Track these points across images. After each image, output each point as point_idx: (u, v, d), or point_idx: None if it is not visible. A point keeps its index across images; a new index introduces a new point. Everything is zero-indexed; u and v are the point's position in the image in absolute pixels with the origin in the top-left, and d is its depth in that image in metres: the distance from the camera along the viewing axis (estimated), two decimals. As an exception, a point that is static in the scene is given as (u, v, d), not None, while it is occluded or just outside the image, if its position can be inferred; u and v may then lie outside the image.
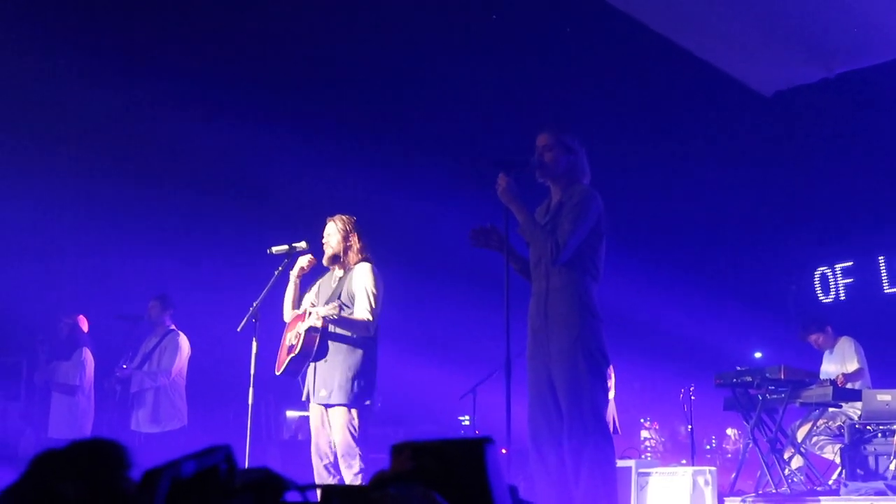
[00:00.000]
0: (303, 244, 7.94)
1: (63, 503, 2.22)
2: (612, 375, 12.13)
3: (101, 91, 12.76)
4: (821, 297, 15.15)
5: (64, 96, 12.73)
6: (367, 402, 7.60)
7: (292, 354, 7.67)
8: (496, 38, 12.24)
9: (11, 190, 13.17)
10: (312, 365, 7.67)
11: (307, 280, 8.08)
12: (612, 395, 11.96)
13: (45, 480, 2.29)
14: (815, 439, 10.39)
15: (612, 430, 11.97)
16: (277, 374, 7.86)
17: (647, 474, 9.77)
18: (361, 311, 7.62)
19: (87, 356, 11.45)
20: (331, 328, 7.64)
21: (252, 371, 7.83)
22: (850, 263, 14.98)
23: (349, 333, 7.61)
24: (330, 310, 7.56)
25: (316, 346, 7.61)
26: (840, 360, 11.14)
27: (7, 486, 2.33)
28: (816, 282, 15.23)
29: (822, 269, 15.20)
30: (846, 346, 11.21)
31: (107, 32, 12.10)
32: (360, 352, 7.62)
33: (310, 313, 7.64)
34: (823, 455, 10.41)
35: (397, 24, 11.95)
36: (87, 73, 12.42)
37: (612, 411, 11.98)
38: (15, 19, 11.73)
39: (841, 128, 13.31)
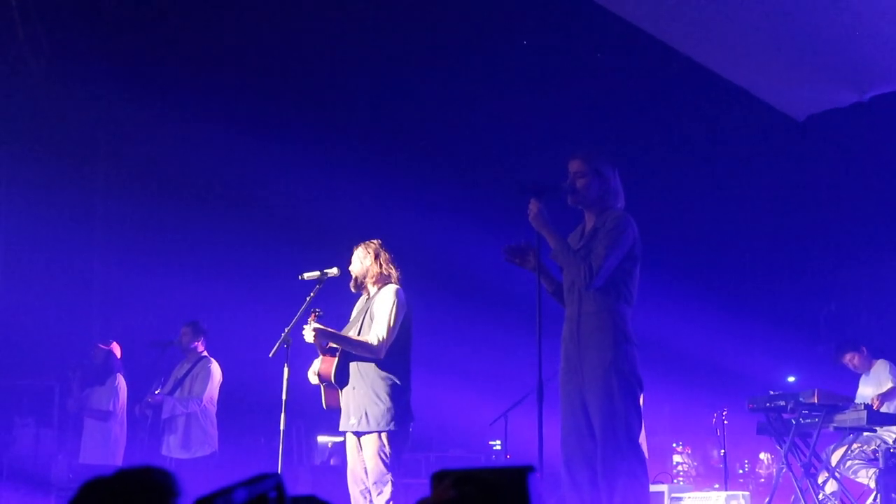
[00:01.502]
0: (334, 270, 7.94)
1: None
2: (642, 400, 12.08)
3: (135, 115, 12.86)
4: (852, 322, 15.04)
5: (97, 119, 12.84)
6: (398, 427, 7.58)
7: (321, 385, 7.71)
8: (528, 62, 12.26)
9: (44, 214, 13.26)
10: (342, 392, 7.67)
11: (337, 306, 8.07)
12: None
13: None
14: (849, 463, 10.30)
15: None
16: (324, 408, 7.86)
17: (680, 499, 9.72)
18: (371, 333, 7.62)
19: (121, 382, 11.50)
20: (352, 352, 7.65)
21: (284, 397, 7.82)
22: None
23: (368, 355, 7.62)
24: (311, 321, 7.58)
25: (334, 370, 7.61)
26: (876, 383, 11.04)
27: None
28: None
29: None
30: (882, 368, 11.12)
31: (144, 57, 12.19)
32: (388, 376, 7.58)
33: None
34: (857, 479, 10.32)
35: (428, 49, 12.00)
36: (120, 95, 12.52)
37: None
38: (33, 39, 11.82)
39: (874, 151, 13.25)
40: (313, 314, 7.67)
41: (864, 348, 11.31)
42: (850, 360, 11.31)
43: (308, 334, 7.58)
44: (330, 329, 7.68)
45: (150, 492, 2.31)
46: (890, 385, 10.89)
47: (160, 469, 2.33)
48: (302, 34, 11.85)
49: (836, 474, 10.07)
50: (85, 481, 2.32)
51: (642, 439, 11.65)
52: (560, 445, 6.42)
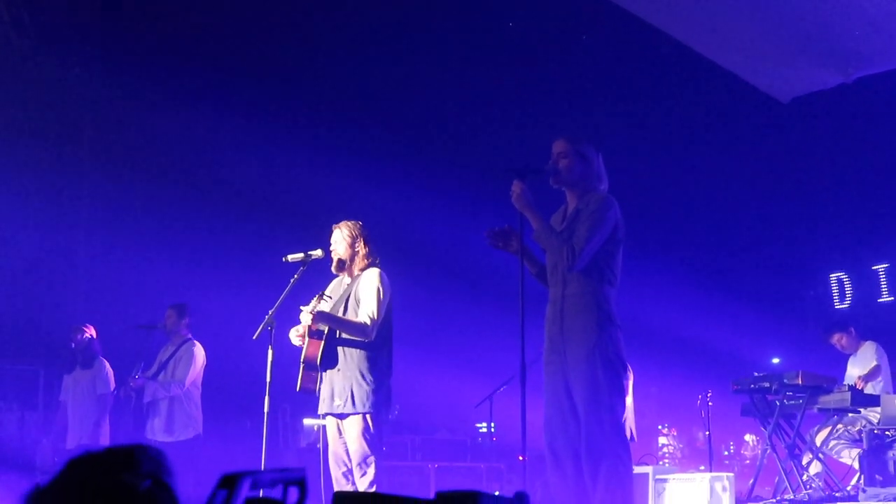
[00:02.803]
0: (318, 252, 7.93)
1: (132, 494, 2.18)
2: (631, 382, 12.11)
3: (115, 98, 12.81)
4: (836, 303, 15.10)
5: (77, 103, 12.78)
6: (382, 409, 7.60)
7: (301, 364, 7.69)
8: (512, 46, 12.25)
9: (25, 198, 13.21)
10: (325, 374, 7.67)
11: (318, 287, 8.06)
12: (629, 401, 11.94)
13: (106, 473, 2.23)
14: (833, 443, 10.34)
15: (629, 436, 11.99)
16: (297, 390, 7.84)
17: (665, 480, 9.73)
18: (361, 314, 7.63)
19: (107, 366, 11.47)
20: (337, 334, 7.65)
21: (268, 379, 7.82)
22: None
23: (355, 338, 7.62)
24: (314, 303, 7.58)
25: (320, 353, 7.61)
26: (863, 364, 11.08)
27: (48, 483, 2.28)
28: (834, 287, 15.17)
29: (837, 274, 15.16)
30: (869, 349, 11.15)
31: (125, 38, 12.15)
32: (373, 359, 7.60)
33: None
34: (841, 460, 10.35)
35: (412, 31, 11.97)
36: (105, 81, 12.48)
37: (629, 418, 11.95)
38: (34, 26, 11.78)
39: (859, 133, 13.27)
40: (318, 297, 7.67)
41: (852, 329, 11.33)
42: (838, 340, 11.34)
43: (306, 316, 7.58)
44: (325, 311, 7.68)
45: (156, 461, 2.28)
46: (874, 364, 10.92)
47: (151, 447, 2.30)
48: (283, 15, 11.82)
49: (820, 455, 10.10)
50: (71, 456, 2.28)
51: (631, 422, 11.73)
52: (543, 428, 6.42)
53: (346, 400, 7.51)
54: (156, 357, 11.06)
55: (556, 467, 6.34)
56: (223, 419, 12.60)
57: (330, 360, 7.63)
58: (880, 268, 14.77)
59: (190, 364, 10.74)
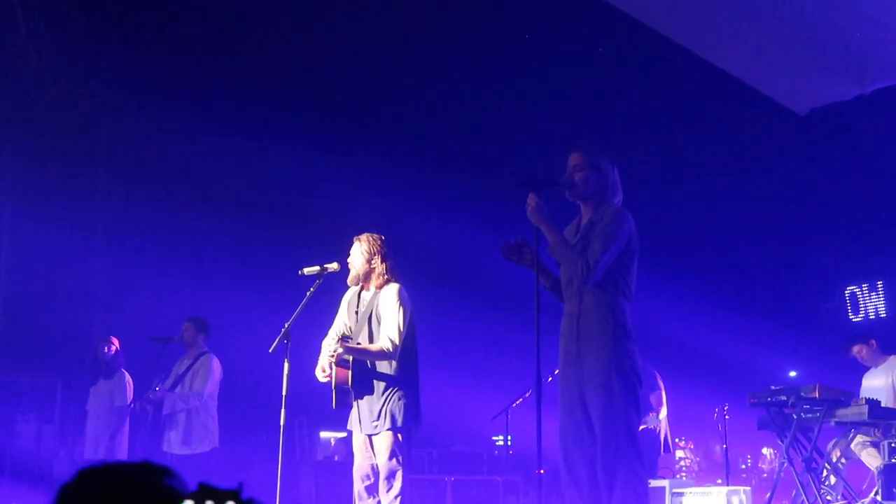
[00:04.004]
0: (334, 265, 7.93)
1: (172, 497, 2.18)
2: (664, 395, 12.10)
3: (136, 111, 12.84)
4: (851, 316, 15.02)
5: (94, 116, 12.82)
6: (411, 425, 7.61)
7: (333, 387, 7.71)
8: (528, 56, 12.25)
9: (46, 210, 13.26)
10: (357, 397, 7.69)
11: (334, 300, 8.06)
12: (664, 413, 11.94)
13: (144, 478, 2.22)
14: (856, 441, 10.26)
15: (661, 448, 11.99)
16: (334, 408, 7.85)
17: (682, 494, 9.72)
18: (382, 337, 7.62)
19: (128, 378, 11.50)
20: (368, 363, 7.67)
21: (284, 392, 7.82)
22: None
23: (383, 364, 7.64)
24: (335, 347, 7.59)
25: (350, 380, 7.62)
26: (889, 374, 10.96)
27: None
28: (847, 300, 15.09)
29: (852, 287, 15.08)
30: (894, 363, 11.06)
31: (146, 54, 12.18)
32: (401, 376, 7.62)
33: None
34: (861, 457, 10.30)
35: (428, 43, 11.98)
36: (120, 93, 12.51)
37: (664, 429, 11.97)
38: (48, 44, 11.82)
39: (876, 144, 13.22)
40: (339, 342, 7.67)
41: (873, 341, 11.25)
42: (858, 351, 11.25)
43: (327, 360, 7.60)
44: (349, 345, 7.68)
45: (169, 475, 2.26)
46: None
47: (164, 468, 2.28)
48: (297, 30, 11.84)
49: (840, 464, 10.08)
50: (82, 467, 2.26)
51: (666, 432, 11.72)
52: (559, 442, 6.41)
53: (380, 418, 7.52)
54: (170, 370, 11.09)
55: (571, 480, 6.32)
56: (239, 432, 12.61)
57: (360, 385, 7.64)
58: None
59: (208, 376, 10.76)
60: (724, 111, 12.94)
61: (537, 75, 12.54)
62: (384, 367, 7.65)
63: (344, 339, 7.74)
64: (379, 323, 7.70)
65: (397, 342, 7.60)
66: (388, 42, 12.06)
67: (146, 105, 12.77)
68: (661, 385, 12.03)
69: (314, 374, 7.82)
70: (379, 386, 7.60)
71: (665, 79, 12.48)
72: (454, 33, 11.75)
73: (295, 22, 11.73)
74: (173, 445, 10.66)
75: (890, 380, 10.94)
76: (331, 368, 7.63)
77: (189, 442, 10.66)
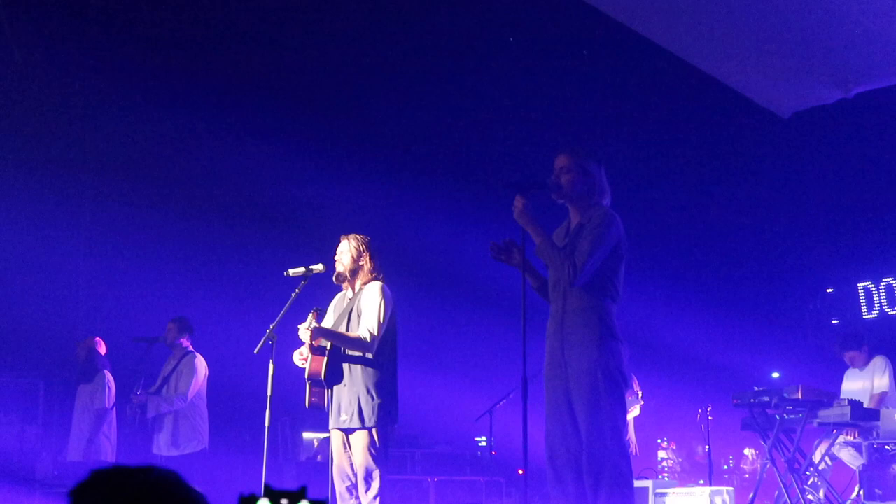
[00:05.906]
0: (319, 266, 7.94)
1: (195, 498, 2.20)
2: (640, 397, 12.12)
3: (115, 112, 12.82)
4: (864, 313, 14.98)
5: (80, 119, 12.79)
6: (387, 423, 7.62)
7: (307, 381, 7.71)
8: (514, 59, 12.26)
9: (27, 212, 13.22)
10: (332, 390, 7.69)
11: (319, 301, 8.07)
12: (632, 415, 11.95)
13: (172, 481, 2.23)
14: (837, 441, 10.32)
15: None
16: (307, 407, 7.85)
17: (664, 495, 9.75)
18: (361, 328, 7.63)
19: (109, 379, 11.49)
20: (341, 350, 7.67)
21: (269, 393, 7.82)
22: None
23: (359, 354, 7.64)
24: (310, 319, 7.60)
25: (324, 368, 7.63)
26: (870, 377, 11.04)
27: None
28: (861, 297, 15.05)
29: (864, 283, 15.04)
30: (879, 363, 11.12)
31: (130, 56, 12.15)
32: (378, 373, 7.61)
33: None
34: (840, 456, 10.36)
35: (415, 48, 11.98)
36: (102, 95, 12.48)
37: (630, 432, 11.97)
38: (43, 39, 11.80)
39: (859, 148, 13.28)
40: (314, 312, 7.69)
41: (865, 346, 11.29)
42: (851, 357, 11.29)
43: (304, 333, 7.60)
44: (326, 327, 7.71)
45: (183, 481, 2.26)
46: (886, 381, 10.90)
47: (174, 474, 2.28)
48: (288, 30, 11.82)
49: (823, 465, 10.13)
50: (91, 471, 2.25)
51: (631, 436, 11.74)
52: (544, 442, 6.43)
53: (353, 415, 7.52)
54: (157, 371, 11.09)
55: (556, 481, 6.34)
56: (223, 433, 12.60)
57: (335, 376, 7.64)
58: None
59: (192, 376, 10.76)
60: (707, 114, 12.95)
61: (523, 77, 12.54)
62: (360, 361, 7.65)
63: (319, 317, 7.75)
64: (359, 317, 7.72)
65: (376, 334, 7.60)
66: (373, 44, 12.05)
67: (129, 106, 12.73)
68: (637, 389, 12.03)
69: (298, 373, 7.84)
70: (353, 380, 7.59)
71: (647, 82, 12.49)
72: (439, 35, 11.75)
73: (279, 24, 11.71)
74: (162, 448, 10.68)
75: (870, 382, 11.01)
76: (309, 352, 7.65)
77: (178, 443, 10.67)
